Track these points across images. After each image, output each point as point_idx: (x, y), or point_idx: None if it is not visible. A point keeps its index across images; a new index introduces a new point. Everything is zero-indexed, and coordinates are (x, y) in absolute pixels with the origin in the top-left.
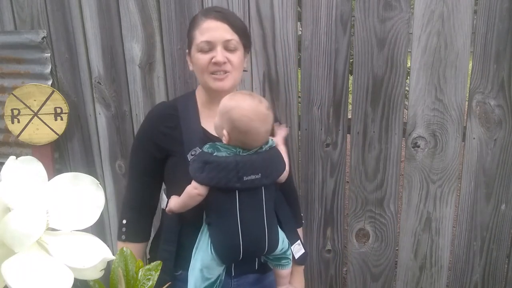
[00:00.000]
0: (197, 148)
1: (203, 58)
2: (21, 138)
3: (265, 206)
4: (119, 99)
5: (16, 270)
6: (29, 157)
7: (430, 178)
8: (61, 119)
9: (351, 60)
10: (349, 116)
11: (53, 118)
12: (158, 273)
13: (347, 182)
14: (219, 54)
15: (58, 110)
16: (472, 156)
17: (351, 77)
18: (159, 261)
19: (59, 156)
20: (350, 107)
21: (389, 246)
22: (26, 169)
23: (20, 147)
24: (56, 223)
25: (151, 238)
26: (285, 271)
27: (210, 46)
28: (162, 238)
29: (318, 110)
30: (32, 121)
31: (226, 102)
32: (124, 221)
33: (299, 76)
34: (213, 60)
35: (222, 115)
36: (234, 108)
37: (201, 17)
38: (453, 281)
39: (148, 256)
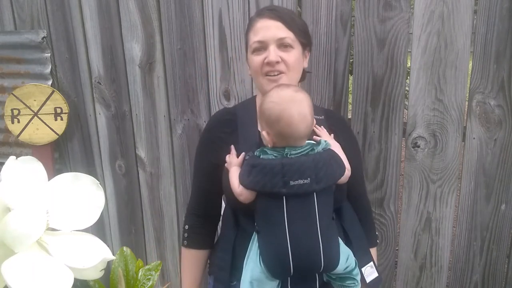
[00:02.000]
0: (251, 152)
1: (256, 60)
2: (21, 138)
3: (318, 215)
4: (119, 99)
5: (16, 270)
6: (29, 157)
7: (430, 178)
8: (61, 119)
9: (351, 60)
10: (349, 116)
11: (53, 118)
12: (158, 273)
13: None
14: (272, 53)
15: (58, 110)
16: (472, 156)
17: (351, 77)
18: (159, 261)
19: (59, 156)
20: (350, 107)
21: (389, 246)
22: (26, 169)
23: (20, 147)
24: (56, 223)
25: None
26: None
27: (263, 46)
28: (219, 245)
29: None
30: (32, 121)
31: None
32: (186, 227)
33: None
34: (266, 60)
35: (258, 117)
36: (263, 102)
37: (255, 17)
38: (453, 281)
39: (209, 262)
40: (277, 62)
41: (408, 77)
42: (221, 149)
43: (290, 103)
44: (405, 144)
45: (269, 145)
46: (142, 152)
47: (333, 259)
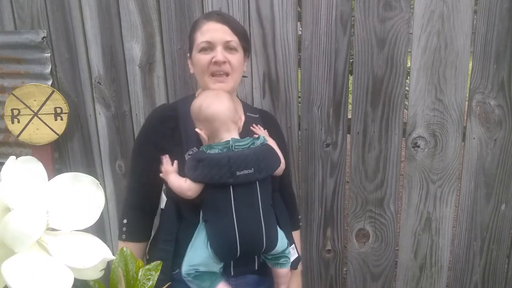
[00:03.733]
0: (194, 148)
1: (203, 58)
2: (21, 138)
3: (260, 202)
4: (119, 99)
5: (16, 270)
6: (29, 157)
7: (430, 178)
8: (61, 119)
9: (351, 60)
10: (349, 116)
11: (53, 118)
12: (158, 273)
13: (347, 182)
14: (219, 54)
15: (58, 110)
16: (472, 156)
17: (351, 77)
18: (159, 261)
19: (59, 156)
20: (350, 107)
21: (389, 246)
22: (26, 169)
23: (20, 147)
24: (56, 223)
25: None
26: (284, 270)
27: (210, 46)
28: (161, 237)
29: (318, 110)
30: (32, 121)
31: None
32: (125, 221)
33: (299, 76)
34: (213, 60)
35: (193, 118)
36: (192, 105)
37: (203, 20)
38: (453, 281)
39: (147, 256)
40: (224, 62)
41: (408, 77)
42: (164, 144)
43: (212, 99)
44: (405, 144)
45: (205, 142)
46: None
47: (273, 241)
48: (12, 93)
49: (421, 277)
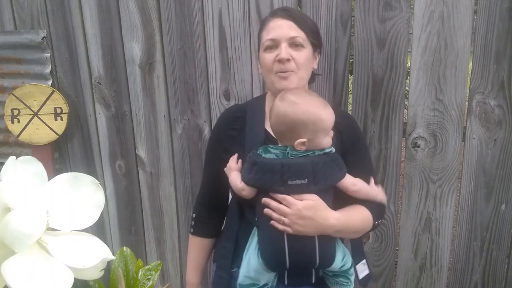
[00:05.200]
0: (255, 150)
1: (268, 57)
2: (21, 138)
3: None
4: (119, 99)
5: (16, 270)
6: (29, 157)
7: (430, 178)
8: (61, 119)
9: (351, 60)
10: None
11: (53, 118)
12: (158, 273)
13: None
14: (283, 51)
15: (58, 110)
16: (472, 156)
17: (351, 77)
18: (159, 261)
19: (59, 156)
20: (350, 107)
21: (389, 246)
22: (26, 169)
23: (20, 147)
24: (56, 223)
25: None
26: None
27: (275, 44)
28: (224, 234)
29: None
30: (32, 121)
31: (291, 111)
32: (194, 215)
33: None
34: (277, 58)
35: (295, 124)
36: (288, 113)
37: (269, 17)
38: (453, 281)
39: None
40: (288, 60)
41: (408, 77)
42: (230, 145)
43: (325, 111)
44: (405, 144)
45: (303, 149)
46: (142, 152)
47: (329, 257)
48: (12, 93)
49: (421, 277)
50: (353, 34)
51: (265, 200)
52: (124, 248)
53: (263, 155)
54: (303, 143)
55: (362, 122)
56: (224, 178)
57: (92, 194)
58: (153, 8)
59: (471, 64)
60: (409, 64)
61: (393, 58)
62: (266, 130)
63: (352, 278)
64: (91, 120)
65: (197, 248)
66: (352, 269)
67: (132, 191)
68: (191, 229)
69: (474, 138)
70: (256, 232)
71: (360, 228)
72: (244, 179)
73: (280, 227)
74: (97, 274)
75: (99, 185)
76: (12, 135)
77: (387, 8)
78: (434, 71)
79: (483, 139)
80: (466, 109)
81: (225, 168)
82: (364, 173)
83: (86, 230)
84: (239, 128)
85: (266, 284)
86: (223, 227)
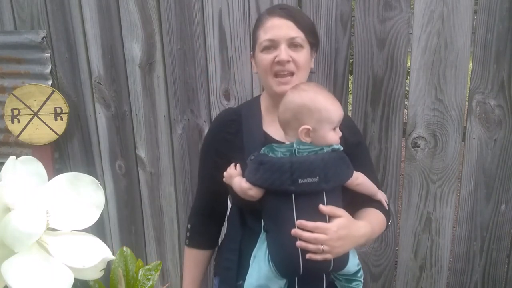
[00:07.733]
0: (256, 152)
1: (266, 58)
2: (21, 138)
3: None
4: (119, 99)
5: (16, 270)
6: (29, 157)
7: (430, 178)
8: (61, 119)
9: (351, 60)
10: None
11: (53, 118)
12: (158, 273)
13: None
14: (283, 52)
15: (58, 110)
16: (472, 156)
17: (351, 77)
18: (159, 261)
19: (59, 156)
20: (350, 107)
21: (389, 246)
22: (26, 169)
23: (20, 147)
24: (56, 223)
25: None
26: None
27: (273, 44)
28: (225, 245)
29: None
30: (32, 121)
31: (298, 97)
32: (189, 226)
33: None
34: (276, 59)
35: (301, 110)
36: (290, 101)
37: (266, 15)
38: (453, 281)
39: (214, 264)
40: (288, 62)
41: (408, 77)
42: (227, 150)
43: (318, 90)
44: (405, 144)
45: (308, 140)
46: (142, 152)
47: (343, 259)
48: (12, 93)
49: (421, 277)
50: (353, 34)
51: (295, 231)
52: (124, 248)
53: (270, 154)
54: (307, 131)
55: (362, 122)
56: (221, 185)
57: (92, 194)
58: (153, 8)
59: (471, 64)
60: (409, 64)
61: (393, 58)
62: (264, 132)
63: (362, 278)
64: (91, 120)
65: (194, 261)
66: (361, 271)
67: (132, 191)
68: (187, 240)
69: (474, 138)
70: (264, 237)
71: (379, 231)
72: (250, 180)
73: (319, 257)
74: (97, 274)
75: (99, 185)
76: (12, 135)
77: (387, 8)
78: (434, 71)
79: (483, 139)
80: (466, 109)
81: (224, 178)
82: (367, 175)
83: (86, 230)
84: (235, 131)
85: None
86: (221, 238)
